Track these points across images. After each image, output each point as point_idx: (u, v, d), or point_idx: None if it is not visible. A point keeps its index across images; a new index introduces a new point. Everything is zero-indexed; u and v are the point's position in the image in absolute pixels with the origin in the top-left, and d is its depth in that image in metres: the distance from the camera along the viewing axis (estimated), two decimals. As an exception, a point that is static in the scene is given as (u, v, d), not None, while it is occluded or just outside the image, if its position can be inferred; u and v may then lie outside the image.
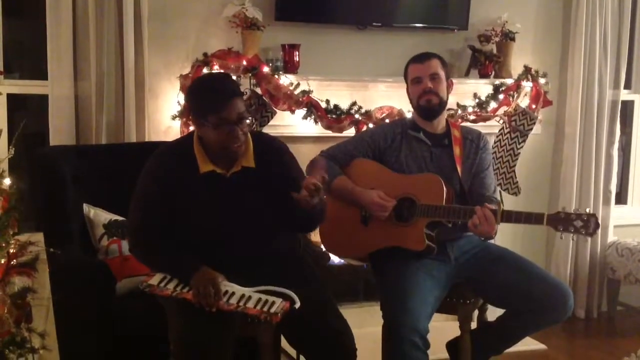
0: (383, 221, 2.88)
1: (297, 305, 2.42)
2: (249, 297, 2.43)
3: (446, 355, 3.11)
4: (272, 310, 2.38)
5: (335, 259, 3.72)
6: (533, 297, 2.78)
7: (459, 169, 2.94)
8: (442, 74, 2.98)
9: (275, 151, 2.69)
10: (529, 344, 3.08)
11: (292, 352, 3.43)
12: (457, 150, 2.98)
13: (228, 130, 2.46)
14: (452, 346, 3.09)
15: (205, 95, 2.53)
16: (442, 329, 2.90)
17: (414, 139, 3.00)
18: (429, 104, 2.96)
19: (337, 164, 2.99)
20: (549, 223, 2.66)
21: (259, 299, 2.42)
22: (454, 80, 3.15)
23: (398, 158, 2.97)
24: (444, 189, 2.82)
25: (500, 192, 3.64)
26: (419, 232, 2.82)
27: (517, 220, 2.72)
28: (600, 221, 2.64)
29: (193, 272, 2.43)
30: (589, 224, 2.61)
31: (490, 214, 2.68)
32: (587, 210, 2.67)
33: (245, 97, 3.50)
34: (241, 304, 2.40)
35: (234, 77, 3.52)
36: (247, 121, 2.52)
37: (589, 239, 2.67)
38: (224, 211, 2.55)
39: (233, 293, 2.43)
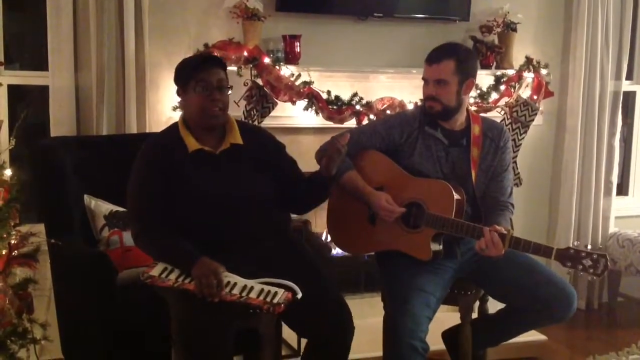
0: (390, 223, 2.82)
1: (299, 295, 2.43)
2: (251, 288, 2.43)
3: (443, 346, 3.11)
4: (275, 300, 2.38)
5: (336, 250, 3.72)
6: (537, 297, 2.75)
7: (473, 173, 2.86)
8: (451, 79, 2.80)
9: (263, 134, 2.78)
10: (529, 334, 3.08)
11: (294, 342, 3.44)
12: (474, 152, 2.87)
13: (208, 93, 2.58)
14: (448, 336, 3.09)
15: (188, 63, 2.70)
16: (441, 320, 2.89)
17: (431, 136, 2.88)
18: (430, 110, 2.85)
19: (348, 154, 2.87)
20: (557, 258, 2.58)
21: (262, 290, 2.42)
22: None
23: (412, 156, 2.87)
24: (454, 199, 2.74)
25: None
26: (426, 241, 2.76)
27: (525, 249, 2.63)
28: (609, 263, 2.54)
29: (194, 262, 2.44)
30: (597, 265, 2.53)
31: (498, 239, 2.61)
32: (600, 249, 2.59)
33: (245, 88, 3.53)
34: (244, 294, 2.40)
35: (234, 68, 3.54)
36: (229, 93, 2.65)
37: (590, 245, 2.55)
38: (218, 188, 2.58)
39: (235, 284, 2.44)
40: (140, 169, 2.63)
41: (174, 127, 2.71)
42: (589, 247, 2.61)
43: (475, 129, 2.91)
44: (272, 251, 2.63)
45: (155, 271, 2.50)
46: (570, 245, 2.60)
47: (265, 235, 2.63)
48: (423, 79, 2.87)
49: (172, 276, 2.47)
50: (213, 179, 2.59)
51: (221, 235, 2.56)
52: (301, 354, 2.67)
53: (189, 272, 2.45)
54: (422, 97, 3.80)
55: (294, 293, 2.43)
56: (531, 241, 2.63)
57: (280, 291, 2.42)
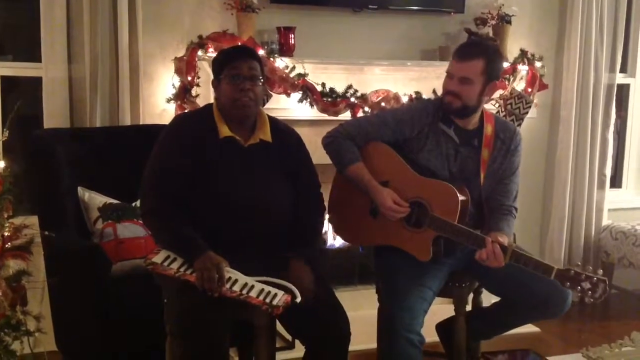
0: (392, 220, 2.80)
1: (298, 299, 2.42)
2: (252, 287, 2.43)
3: (436, 338, 3.12)
4: (275, 302, 2.38)
5: (331, 242, 3.73)
6: (532, 292, 2.74)
7: (482, 175, 2.83)
8: (477, 79, 2.74)
9: (294, 138, 2.77)
10: (522, 326, 3.08)
11: (288, 335, 3.44)
12: (485, 154, 2.83)
13: (239, 82, 2.58)
14: (442, 328, 3.10)
15: (225, 52, 2.74)
16: (435, 312, 2.90)
17: (442, 133, 2.83)
18: (449, 106, 2.80)
19: (355, 145, 2.87)
20: (557, 277, 2.56)
21: (262, 290, 2.42)
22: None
23: (420, 151, 2.83)
24: (459, 202, 2.70)
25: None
26: (426, 243, 2.73)
27: (525, 265, 2.60)
28: (608, 287, 2.53)
29: (198, 254, 2.43)
30: (596, 289, 2.51)
31: (500, 252, 2.59)
32: (599, 272, 2.56)
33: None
34: (244, 292, 2.40)
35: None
36: (260, 84, 2.64)
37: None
38: (238, 179, 2.57)
39: (236, 280, 2.43)
40: (166, 144, 2.61)
41: (208, 110, 2.69)
42: (590, 268, 2.59)
43: (488, 129, 2.86)
44: (278, 252, 2.60)
45: (158, 258, 2.48)
46: (571, 267, 2.58)
47: (275, 236, 2.61)
48: (447, 72, 2.81)
49: (175, 265, 2.46)
50: (238, 170, 2.58)
51: (230, 227, 2.54)
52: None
53: (191, 262, 2.44)
54: (416, 90, 3.89)
55: (293, 296, 2.42)
56: (532, 257, 2.60)
57: (280, 293, 2.42)
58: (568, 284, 2.55)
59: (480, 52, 2.78)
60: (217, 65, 2.65)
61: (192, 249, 2.46)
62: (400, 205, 2.76)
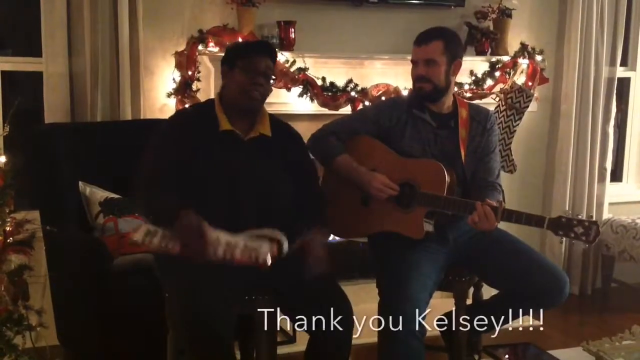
0: (383, 204, 2.83)
1: (285, 246, 2.44)
2: (236, 245, 2.42)
3: (436, 332, 3.12)
4: (260, 256, 2.39)
5: (330, 237, 3.72)
6: (529, 282, 2.77)
7: (462, 153, 2.88)
8: (440, 59, 2.84)
9: (292, 134, 2.80)
10: (523, 320, 3.09)
11: (289, 329, 3.45)
12: (462, 133, 2.90)
13: (253, 75, 2.62)
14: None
15: (244, 44, 2.82)
16: (435, 306, 2.90)
17: (419, 119, 2.90)
18: (420, 91, 2.88)
19: (340, 140, 2.94)
20: (549, 227, 2.60)
21: (245, 246, 2.42)
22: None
23: (402, 139, 2.89)
24: (446, 178, 2.76)
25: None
26: (418, 220, 2.78)
27: (517, 221, 2.64)
28: (601, 229, 2.58)
29: (178, 213, 2.38)
30: (589, 231, 2.56)
31: (490, 212, 2.62)
32: (590, 216, 2.60)
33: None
34: (227, 254, 2.39)
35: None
36: (272, 82, 2.70)
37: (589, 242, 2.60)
38: (237, 173, 2.57)
39: (219, 241, 2.40)
40: (165, 134, 2.64)
41: (209, 103, 2.73)
42: (581, 215, 2.64)
43: (463, 113, 2.94)
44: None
45: (139, 235, 2.43)
46: (562, 214, 2.63)
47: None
48: (412, 61, 2.90)
49: (156, 240, 2.42)
50: (237, 163, 2.59)
51: (231, 220, 2.52)
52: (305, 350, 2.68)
53: (172, 222, 2.39)
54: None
55: (280, 245, 2.43)
56: (523, 212, 2.65)
57: (265, 245, 2.42)
58: (561, 232, 2.60)
59: (437, 34, 2.89)
60: (235, 54, 2.69)
61: (172, 207, 2.41)
62: (389, 187, 2.81)
